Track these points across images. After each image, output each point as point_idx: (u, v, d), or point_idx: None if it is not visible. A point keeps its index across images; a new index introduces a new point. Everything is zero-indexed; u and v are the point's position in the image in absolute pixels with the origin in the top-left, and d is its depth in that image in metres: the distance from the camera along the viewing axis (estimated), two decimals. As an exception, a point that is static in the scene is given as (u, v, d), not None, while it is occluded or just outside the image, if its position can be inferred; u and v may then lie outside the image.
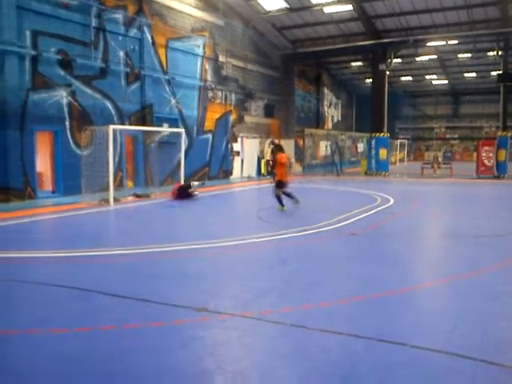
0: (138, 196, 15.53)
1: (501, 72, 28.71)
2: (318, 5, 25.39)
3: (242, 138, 25.61)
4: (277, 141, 24.48)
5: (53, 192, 15.32)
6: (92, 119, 16.20)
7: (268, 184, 20.35)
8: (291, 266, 7.02)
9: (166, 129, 18.85)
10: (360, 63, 36.66)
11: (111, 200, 13.72)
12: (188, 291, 5.74)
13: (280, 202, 12.47)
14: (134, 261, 7.25)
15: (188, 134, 20.69)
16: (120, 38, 17.57)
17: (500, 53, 28.22)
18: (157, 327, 4.57)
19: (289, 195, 12.49)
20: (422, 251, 8.46)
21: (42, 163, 15.42)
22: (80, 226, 10.69)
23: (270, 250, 8.15)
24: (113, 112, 17.25)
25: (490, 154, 25.35)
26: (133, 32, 18.12)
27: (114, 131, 14.53)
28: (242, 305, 5.22)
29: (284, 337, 4.37)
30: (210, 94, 22.96)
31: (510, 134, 25.88)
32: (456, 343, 4.14)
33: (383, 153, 27.19)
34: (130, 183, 18.08)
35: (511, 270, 6.82)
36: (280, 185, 12.48)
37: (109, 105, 17.10)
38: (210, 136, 22.91)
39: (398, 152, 43.89)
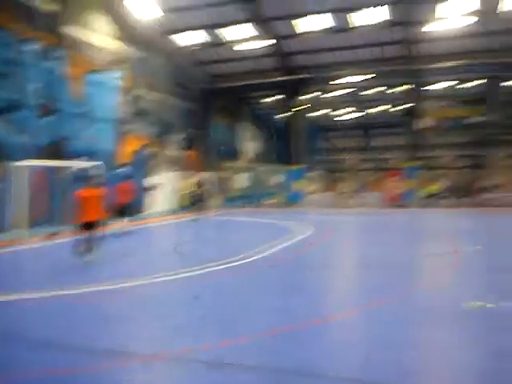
0: (51, 235, 14.84)
1: (407, 106, 30.87)
2: (235, 41, 26.21)
3: (160, 171, 25.40)
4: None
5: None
6: (4, 153, 15.41)
7: (189, 218, 20.32)
8: (209, 301, 7.04)
9: (79, 163, 18.30)
10: (277, 97, 37.89)
11: (23, 238, 13.03)
12: (104, 334, 5.59)
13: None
14: (53, 304, 6.94)
15: (104, 167, 20.17)
16: (34, 70, 17.01)
17: (406, 88, 30.38)
18: (70, 374, 4.41)
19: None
20: (334, 281, 8.79)
21: None
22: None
23: (189, 286, 8.11)
24: (25, 146, 16.51)
25: (398, 184, 27.04)
26: (48, 64, 17.62)
27: (26, 166, 13.91)
28: (160, 345, 5.17)
29: (204, 375, 4.38)
30: (128, 127, 22.68)
31: (415, 165, 27.77)
32: (370, 372, 4.36)
33: (299, 184, 28.09)
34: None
35: (415, 299, 7.27)
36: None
37: (21, 139, 16.37)
38: (126, 169, 22.49)
39: (314, 183, 45.38)
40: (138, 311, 6.58)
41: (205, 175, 26.37)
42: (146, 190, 24.28)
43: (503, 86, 32.92)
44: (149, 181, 24.25)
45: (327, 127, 49.25)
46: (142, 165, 23.74)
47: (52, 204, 17.78)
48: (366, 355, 4.78)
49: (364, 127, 51.27)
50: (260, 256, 10.50)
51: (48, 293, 7.36)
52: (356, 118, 48.51)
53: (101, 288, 7.68)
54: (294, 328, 5.65)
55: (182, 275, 8.62)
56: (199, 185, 20.45)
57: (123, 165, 22.19)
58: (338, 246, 13.03)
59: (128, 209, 15.38)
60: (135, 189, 15.48)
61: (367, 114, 46.78)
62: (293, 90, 29.52)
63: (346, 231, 16.95)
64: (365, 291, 7.82)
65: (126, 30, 22.37)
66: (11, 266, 10.44)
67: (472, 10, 22.87)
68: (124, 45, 22.21)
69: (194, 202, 20.60)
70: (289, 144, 29.71)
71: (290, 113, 30.30)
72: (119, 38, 21.93)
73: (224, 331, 5.59)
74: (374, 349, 4.95)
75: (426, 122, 27.75)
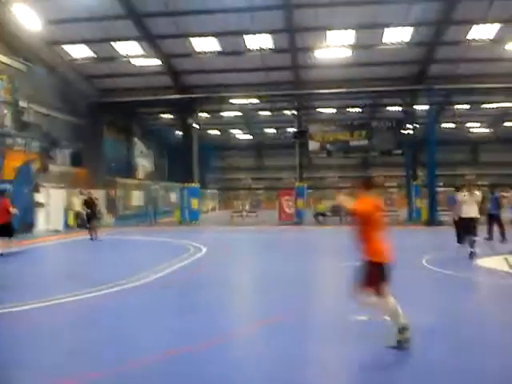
0: None
1: (296, 129, 32.11)
2: (127, 56, 25.69)
3: (46, 188, 23.87)
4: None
5: None
6: None
7: (80, 237, 19.33)
8: (102, 324, 6.67)
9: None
10: (171, 115, 37.61)
11: None
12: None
13: None
14: None
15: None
16: None
17: (294, 112, 31.66)
18: None
19: None
20: (230, 299, 8.77)
21: None
22: None
23: (79, 310, 7.63)
24: None
25: (290, 203, 27.92)
26: None
27: None
28: (48, 372, 4.78)
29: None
30: (9, 141, 21.13)
31: (305, 185, 28.89)
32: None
33: (195, 202, 27.94)
34: None
35: (307, 314, 7.48)
36: None
37: None
38: (8, 186, 20.86)
39: (209, 201, 45.51)
40: (26, 337, 6.04)
41: (95, 192, 25.21)
42: (37, 206, 22.69)
43: (381, 111, 35.75)
44: (36, 198, 22.68)
45: (222, 146, 49.77)
46: (28, 181, 22.15)
47: None
48: (265, 373, 4.79)
49: (258, 147, 52.58)
50: (154, 277, 10.17)
51: None
52: (249, 139, 49.61)
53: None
54: (190, 349, 5.52)
55: (75, 298, 8.10)
56: (90, 202, 19.31)
57: (2, 181, 20.56)
58: (232, 263, 13.07)
59: (9, 228, 14.10)
60: (11, 207, 14.12)
61: (260, 134, 48.05)
62: (186, 108, 29.46)
63: (242, 249, 17.11)
64: (258, 308, 7.90)
65: (8, 40, 21.00)
66: None
67: (350, 43, 24.64)
68: (4, 55, 20.76)
69: (86, 220, 19.44)
70: (184, 162, 29.51)
71: (184, 131, 30.18)
72: (1, 48, 20.49)
73: (116, 355, 5.30)
74: (274, 366, 4.98)
75: (314, 144, 29.01)
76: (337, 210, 25.46)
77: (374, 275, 5.18)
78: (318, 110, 35.39)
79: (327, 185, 48.41)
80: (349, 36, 24.13)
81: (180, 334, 6.16)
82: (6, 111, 20.88)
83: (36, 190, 22.91)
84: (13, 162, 21.20)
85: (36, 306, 7.54)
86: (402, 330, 5.18)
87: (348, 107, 34.18)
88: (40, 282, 10.35)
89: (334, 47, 25.19)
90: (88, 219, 19.17)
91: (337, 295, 8.48)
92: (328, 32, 23.82)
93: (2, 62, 20.59)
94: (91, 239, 18.37)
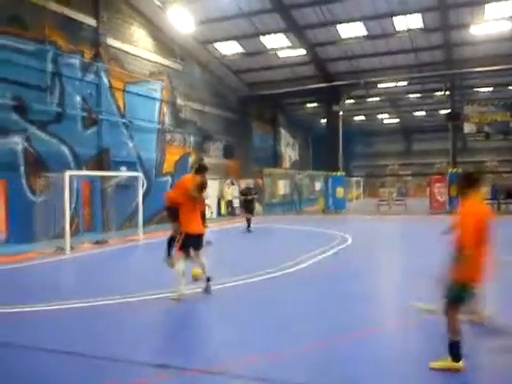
0: (96, 243, 15.19)
1: (449, 111, 30.10)
2: (273, 49, 26.28)
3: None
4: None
5: (6, 240, 14.80)
6: (48, 165, 15.90)
7: (230, 225, 20.35)
8: (262, 310, 7.00)
9: (122, 173, 18.68)
10: (315, 104, 37.74)
11: (68, 248, 13.37)
12: (144, 346, 5.63)
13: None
14: (91, 314, 7.05)
15: (146, 176, 20.60)
16: (76, 82, 17.54)
17: (447, 93, 29.66)
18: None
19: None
20: (381, 291, 8.58)
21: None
22: (34, 276, 10.34)
23: (242, 295, 8.08)
24: (69, 157, 17.02)
25: (442, 190, 26.31)
26: (90, 76, 18.15)
27: (71, 177, 14.29)
28: (214, 357, 5.16)
29: None
30: (168, 137, 23.05)
31: (459, 170, 26.96)
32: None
33: (340, 191, 27.77)
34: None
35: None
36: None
37: (65, 150, 16.88)
38: (169, 178, 22.84)
39: (354, 189, 44.90)
40: (182, 322, 6.60)
41: (248, 182, 26.31)
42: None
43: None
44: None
45: (367, 132, 48.67)
46: (185, 173, 23.96)
47: (95, 213, 18.23)
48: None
49: (405, 132, 50.44)
50: (310, 262, 10.37)
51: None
52: (396, 122, 47.76)
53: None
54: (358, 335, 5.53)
55: (234, 283, 8.61)
56: (248, 191, 19.21)
57: (164, 174, 22.52)
58: (380, 256, 12.74)
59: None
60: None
61: (408, 118, 45.97)
62: (331, 95, 29.30)
63: (388, 240, 16.59)
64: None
65: (165, 42, 22.79)
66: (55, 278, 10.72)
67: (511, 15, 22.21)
68: (163, 56, 22.59)
69: (246, 208, 19.04)
70: (329, 150, 29.47)
71: (329, 119, 30.06)
72: (159, 50, 22.35)
73: (277, 343, 5.52)
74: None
75: (470, 126, 26.92)
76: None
77: None
78: (473, 89, 32.71)
79: (485, 169, 44.65)
80: (509, 7, 21.76)
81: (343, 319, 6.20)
82: (165, 109, 22.77)
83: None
84: (172, 156, 23.14)
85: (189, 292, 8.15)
86: None
87: (508, 85, 31.02)
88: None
89: (492, 21, 22.96)
90: (245, 209, 19.10)
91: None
92: (486, 5, 21.76)
93: (161, 64, 22.44)
94: (248, 230, 18.28)
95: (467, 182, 4.59)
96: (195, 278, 8.40)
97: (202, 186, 7.69)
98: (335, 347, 5.44)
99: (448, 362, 4.40)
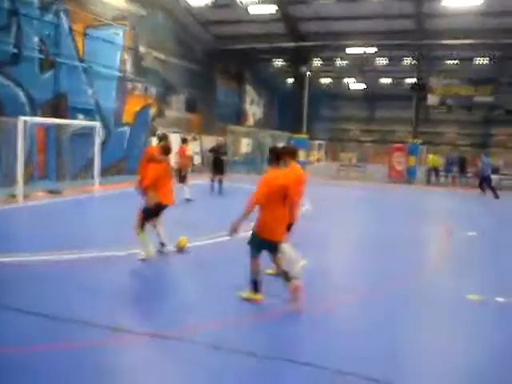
0: (50, 192, 14.62)
1: (414, 81, 30.28)
2: (243, 3, 25.41)
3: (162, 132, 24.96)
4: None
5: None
6: (1, 108, 15.01)
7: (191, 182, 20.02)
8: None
9: (80, 122, 17.92)
10: (283, 63, 37.16)
11: (20, 196, 12.80)
12: (100, 307, 5.45)
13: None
14: (45, 270, 6.77)
15: (105, 126, 19.83)
16: (34, 22, 16.42)
17: (414, 62, 29.73)
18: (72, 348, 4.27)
19: None
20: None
21: None
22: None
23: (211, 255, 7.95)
24: (24, 101, 16.12)
25: (401, 159, 26.62)
26: (49, 17, 17.02)
27: (25, 123, 13.53)
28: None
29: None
30: (130, 86, 22.18)
31: (419, 141, 27.34)
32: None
33: (301, 154, 27.69)
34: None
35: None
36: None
37: (20, 93, 15.95)
38: (128, 129, 22.13)
39: (316, 152, 45.03)
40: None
41: (220, 139, 25.71)
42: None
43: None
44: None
45: (333, 95, 48.55)
46: (145, 125, 23.32)
47: (49, 161, 17.51)
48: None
49: (370, 98, 50.59)
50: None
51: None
52: (362, 88, 47.76)
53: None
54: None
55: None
56: (219, 149, 17.37)
57: (122, 124, 21.79)
58: (338, 223, 12.84)
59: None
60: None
61: (374, 84, 46.04)
62: (300, 56, 28.87)
63: (346, 207, 16.77)
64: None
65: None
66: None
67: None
68: (126, 0, 21.43)
69: (217, 168, 16.82)
70: (294, 110, 29.25)
71: (296, 79, 29.70)
72: (124, -7, 21.18)
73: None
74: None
75: (433, 98, 27.21)
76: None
77: None
78: (440, 61, 32.89)
79: (444, 141, 45.60)
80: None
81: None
82: (126, 56, 21.78)
83: (152, 133, 24.05)
84: (132, 107, 22.33)
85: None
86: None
87: (474, 59, 31.34)
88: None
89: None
90: (216, 169, 16.96)
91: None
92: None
93: (124, 8, 21.29)
94: (220, 191, 16.54)
95: (273, 156, 5.80)
96: (178, 248, 8.08)
97: (166, 149, 7.75)
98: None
99: (251, 294, 5.73)
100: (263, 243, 5.61)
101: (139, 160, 8.88)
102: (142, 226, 7.39)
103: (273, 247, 5.66)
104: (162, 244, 7.84)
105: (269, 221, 5.54)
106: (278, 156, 5.78)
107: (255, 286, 5.70)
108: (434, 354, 4.67)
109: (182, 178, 14.44)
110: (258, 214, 5.60)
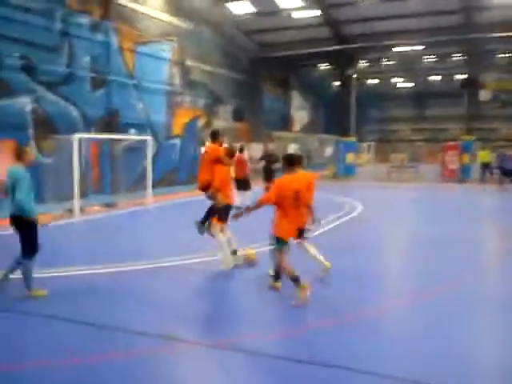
0: (106, 205, 15.16)
1: (465, 77, 29.41)
2: (286, 10, 25.52)
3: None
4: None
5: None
6: (56, 126, 15.76)
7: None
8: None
9: (131, 136, 18.53)
10: (328, 67, 36.97)
11: (77, 211, 13.35)
12: (155, 317, 5.61)
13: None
14: (103, 282, 7.04)
15: (156, 139, 20.39)
16: (85, 42, 17.17)
17: (464, 57, 28.85)
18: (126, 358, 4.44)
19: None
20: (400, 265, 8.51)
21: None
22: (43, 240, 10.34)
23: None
24: (78, 118, 16.85)
25: (454, 158, 25.85)
26: (99, 36, 17.76)
27: (80, 139, 14.13)
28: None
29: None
30: (178, 99, 22.72)
31: (473, 138, 26.44)
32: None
33: (350, 157, 27.47)
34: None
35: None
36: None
37: (74, 111, 16.69)
38: (177, 141, 22.66)
39: (365, 154, 44.43)
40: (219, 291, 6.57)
41: (254, 146, 26.05)
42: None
43: None
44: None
45: (380, 96, 47.82)
46: (194, 136, 23.80)
47: (104, 176, 18.17)
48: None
49: (419, 97, 49.47)
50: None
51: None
52: (410, 87, 46.79)
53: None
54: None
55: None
56: (271, 158, 16.07)
57: (172, 137, 22.29)
58: (393, 225, 12.61)
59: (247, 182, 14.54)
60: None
61: (422, 82, 45.00)
62: (344, 59, 28.63)
63: (400, 208, 16.43)
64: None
65: (175, 1, 22.13)
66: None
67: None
68: (173, 16, 21.99)
69: (269, 176, 15.40)
70: (341, 115, 29.00)
71: (342, 83, 29.46)
72: (169, 10, 21.74)
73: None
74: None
75: (485, 93, 26.27)
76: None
77: None
78: (491, 55, 31.73)
79: (499, 137, 43.88)
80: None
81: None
82: (174, 70, 22.34)
83: (202, 144, 24.48)
84: (181, 119, 22.87)
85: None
86: None
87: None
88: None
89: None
90: (268, 177, 15.58)
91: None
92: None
93: (171, 24, 21.87)
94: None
95: (286, 162, 6.31)
96: (248, 261, 7.95)
97: (231, 152, 7.83)
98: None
99: (273, 283, 6.53)
100: (278, 240, 6.16)
101: (200, 160, 8.70)
102: (220, 229, 7.59)
103: (282, 244, 6.15)
104: (235, 251, 7.79)
105: (281, 221, 6.15)
106: (291, 162, 6.23)
107: (277, 276, 6.49)
108: (491, 358, 4.53)
109: (246, 185, 14.40)
110: (274, 215, 6.24)
